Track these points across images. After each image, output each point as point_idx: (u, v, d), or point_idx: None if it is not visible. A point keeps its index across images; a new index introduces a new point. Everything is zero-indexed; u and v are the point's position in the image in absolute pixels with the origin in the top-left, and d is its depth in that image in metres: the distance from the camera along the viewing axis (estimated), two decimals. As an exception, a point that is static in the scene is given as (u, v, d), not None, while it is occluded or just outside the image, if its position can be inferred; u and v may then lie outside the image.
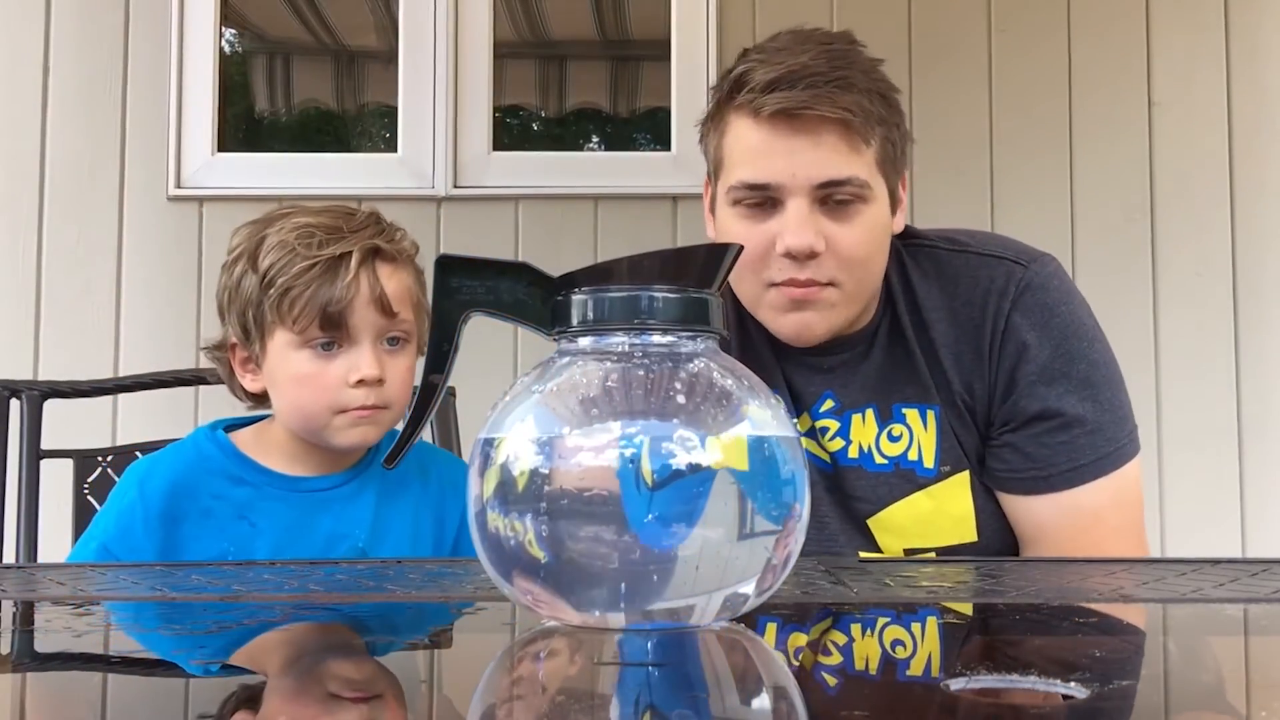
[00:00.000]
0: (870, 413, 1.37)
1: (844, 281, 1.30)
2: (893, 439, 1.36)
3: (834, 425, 1.38)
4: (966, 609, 0.80)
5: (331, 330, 1.30)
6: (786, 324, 1.32)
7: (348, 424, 1.32)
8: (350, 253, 1.30)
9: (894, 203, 1.35)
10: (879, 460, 1.36)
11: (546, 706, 0.53)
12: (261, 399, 1.39)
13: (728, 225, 1.33)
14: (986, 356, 1.34)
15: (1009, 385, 1.33)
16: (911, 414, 1.35)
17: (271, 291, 1.30)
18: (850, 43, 1.33)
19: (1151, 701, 0.53)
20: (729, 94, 1.30)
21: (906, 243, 1.41)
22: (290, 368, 1.32)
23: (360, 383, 1.30)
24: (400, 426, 1.41)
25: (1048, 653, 0.65)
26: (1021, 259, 1.36)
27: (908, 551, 1.37)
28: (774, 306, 1.32)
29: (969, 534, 1.36)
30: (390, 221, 1.39)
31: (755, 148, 1.28)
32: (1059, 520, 1.33)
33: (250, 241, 1.34)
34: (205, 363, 1.47)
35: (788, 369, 1.40)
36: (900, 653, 0.66)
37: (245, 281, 1.33)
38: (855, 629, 0.73)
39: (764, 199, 1.29)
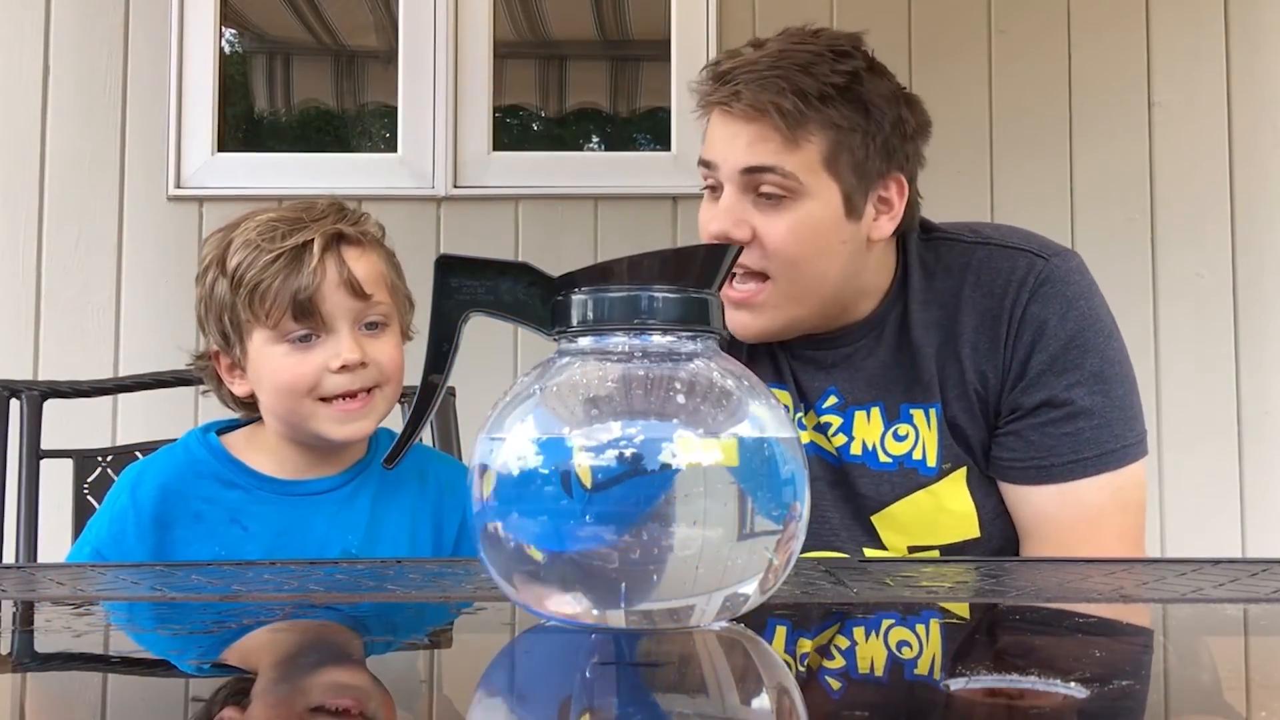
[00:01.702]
0: (876, 411, 1.37)
1: (775, 275, 1.32)
2: (899, 438, 1.36)
3: (836, 421, 1.38)
4: (966, 609, 0.79)
5: (306, 320, 1.30)
6: (728, 320, 1.35)
7: (337, 418, 1.31)
8: (313, 240, 1.30)
9: (853, 207, 1.32)
10: (883, 459, 1.36)
11: (546, 706, 0.53)
12: (252, 406, 1.38)
13: (702, 208, 1.39)
14: (1002, 345, 1.34)
15: (1021, 373, 1.34)
16: (918, 414, 1.36)
17: (242, 290, 1.30)
18: (831, 46, 1.32)
19: (1151, 701, 0.53)
20: (701, 82, 1.37)
21: (927, 237, 1.42)
22: (271, 364, 1.31)
23: (343, 369, 1.30)
24: (389, 422, 1.41)
25: (1048, 653, 0.65)
26: (1043, 252, 1.37)
27: (912, 549, 1.37)
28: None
29: (972, 530, 1.36)
30: (354, 207, 1.40)
31: (709, 131, 1.36)
32: (1058, 513, 1.33)
33: (218, 248, 1.34)
34: (204, 363, 1.46)
35: (791, 364, 1.41)
36: (901, 653, 0.66)
37: (218, 287, 1.33)
38: (855, 629, 0.73)
39: (716, 182, 1.35)
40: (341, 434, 1.32)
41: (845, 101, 1.30)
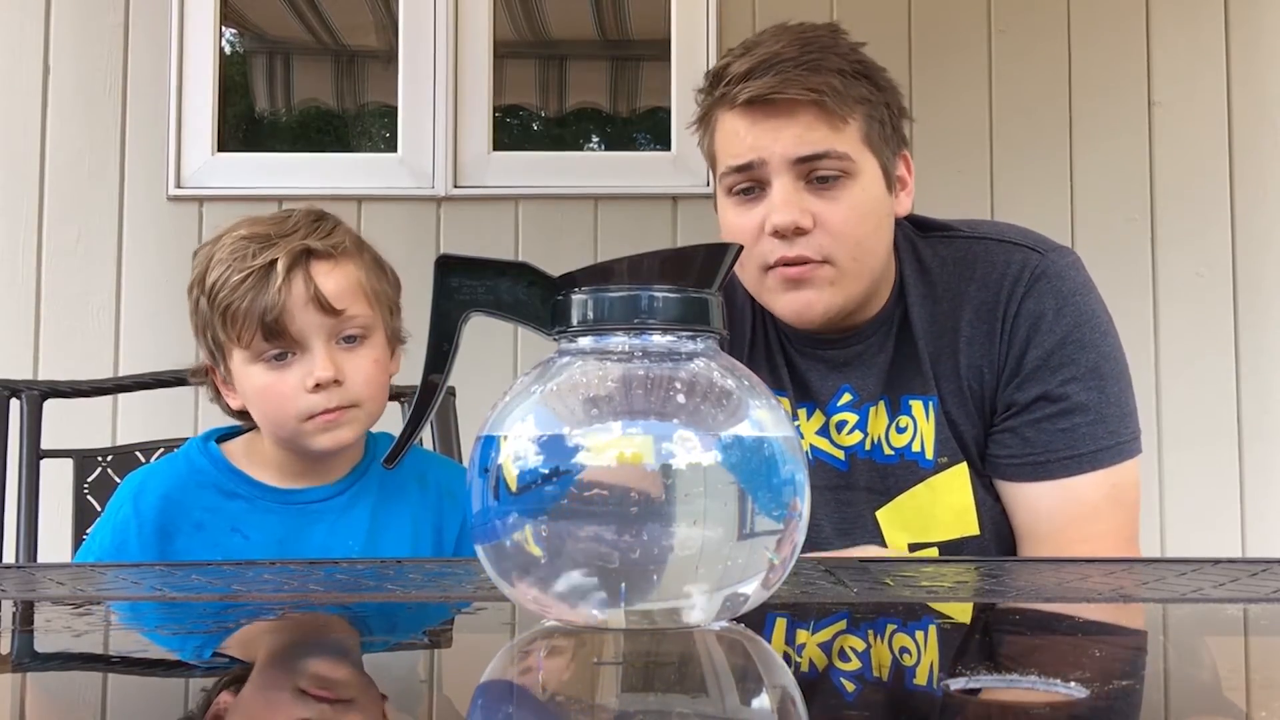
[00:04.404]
0: (882, 405, 1.38)
1: (838, 258, 1.31)
2: (899, 430, 1.37)
3: (853, 419, 1.39)
4: (966, 609, 0.80)
5: (276, 340, 1.29)
6: (786, 304, 1.34)
7: (318, 429, 1.31)
8: (278, 259, 1.28)
9: (890, 181, 1.36)
10: (887, 452, 1.37)
11: (546, 707, 0.53)
12: (249, 415, 1.38)
13: (725, 216, 1.36)
14: (998, 339, 1.35)
15: (1016, 368, 1.34)
16: (917, 405, 1.36)
17: (215, 312, 1.30)
18: (831, 31, 1.36)
19: (1151, 701, 0.53)
20: (710, 90, 1.35)
21: (926, 234, 1.42)
22: (250, 382, 1.32)
23: (318, 387, 1.29)
24: (376, 427, 1.41)
25: (1048, 653, 0.65)
26: (1039, 247, 1.38)
27: (912, 547, 1.37)
28: (773, 289, 1.34)
29: (970, 527, 1.36)
30: (330, 217, 1.37)
31: (738, 134, 1.32)
32: (1053, 510, 1.33)
33: (202, 264, 1.34)
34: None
35: (803, 365, 1.41)
36: (900, 653, 0.66)
37: (201, 304, 1.33)
38: (855, 629, 0.73)
39: (752, 182, 1.32)
40: (323, 443, 1.33)
41: (867, 78, 1.33)
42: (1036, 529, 1.35)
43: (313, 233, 1.32)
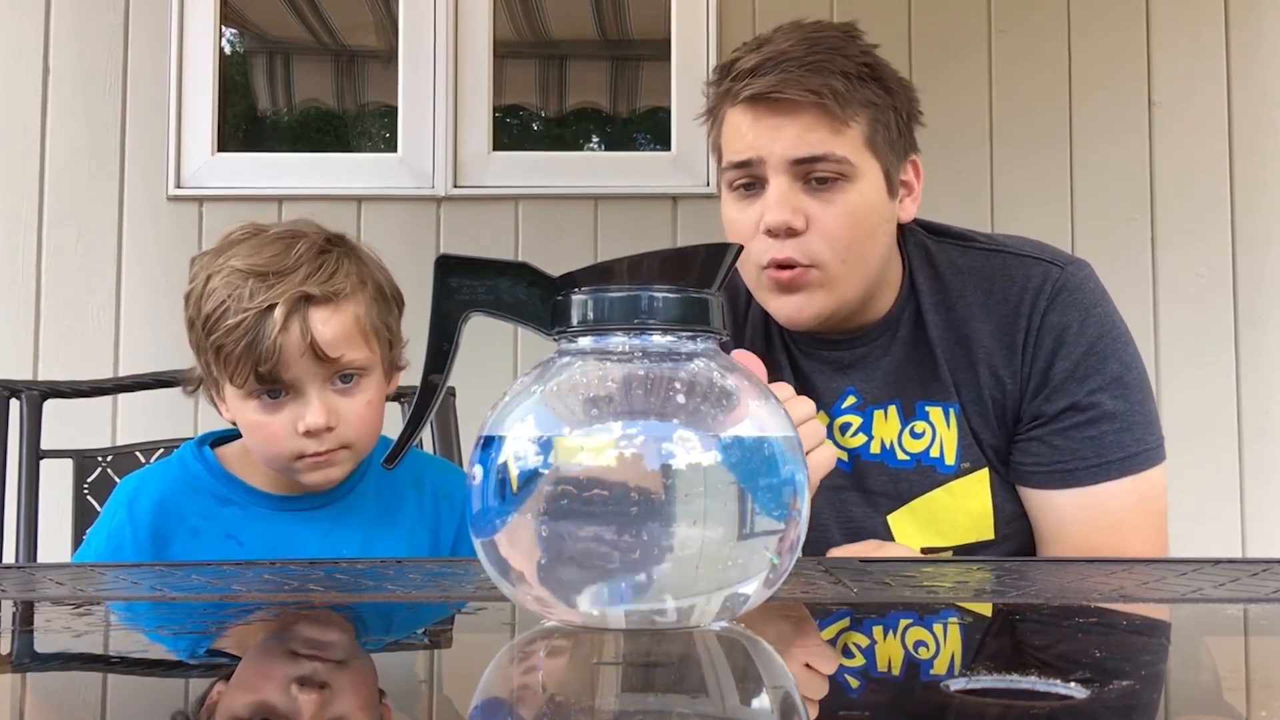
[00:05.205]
0: (893, 409, 1.38)
1: (828, 262, 1.31)
2: (915, 436, 1.36)
3: (856, 421, 1.38)
4: (967, 609, 0.79)
5: (269, 384, 1.28)
6: (778, 307, 1.35)
7: (308, 468, 1.31)
8: (276, 304, 1.25)
9: (893, 186, 1.35)
10: (901, 456, 1.37)
11: (546, 707, 0.53)
12: None
13: (726, 211, 1.37)
14: (1020, 352, 1.34)
15: (1042, 381, 1.34)
16: (935, 411, 1.36)
17: (208, 348, 1.28)
18: (843, 32, 1.35)
19: (1151, 701, 0.53)
20: (717, 82, 1.36)
21: (939, 239, 1.42)
22: (242, 416, 1.31)
23: (309, 432, 1.28)
24: (387, 426, 1.40)
25: (1048, 653, 0.65)
26: (1058, 260, 1.38)
27: (925, 551, 1.37)
28: (767, 290, 1.34)
29: (986, 532, 1.36)
30: (335, 249, 1.32)
31: (740, 131, 1.32)
32: (1081, 516, 1.33)
33: (198, 282, 1.31)
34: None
35: (807, 366, 1.41)
36: (901, 653, 0.66)
37: (195, 327, 1.31)
38: (855, 629, 0.72)
39: (751, 179, 1.32)
40: (312, 480, 1.33)
41: (874, 80, 1.32)
42: (1061, 536, 1.35)
43: (315, 273, 1.28)
